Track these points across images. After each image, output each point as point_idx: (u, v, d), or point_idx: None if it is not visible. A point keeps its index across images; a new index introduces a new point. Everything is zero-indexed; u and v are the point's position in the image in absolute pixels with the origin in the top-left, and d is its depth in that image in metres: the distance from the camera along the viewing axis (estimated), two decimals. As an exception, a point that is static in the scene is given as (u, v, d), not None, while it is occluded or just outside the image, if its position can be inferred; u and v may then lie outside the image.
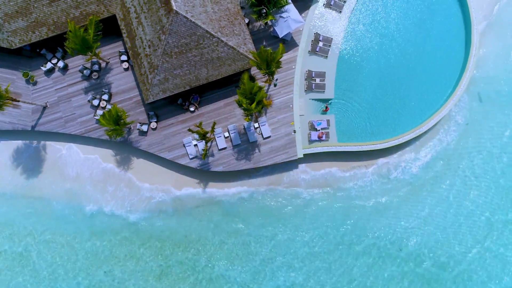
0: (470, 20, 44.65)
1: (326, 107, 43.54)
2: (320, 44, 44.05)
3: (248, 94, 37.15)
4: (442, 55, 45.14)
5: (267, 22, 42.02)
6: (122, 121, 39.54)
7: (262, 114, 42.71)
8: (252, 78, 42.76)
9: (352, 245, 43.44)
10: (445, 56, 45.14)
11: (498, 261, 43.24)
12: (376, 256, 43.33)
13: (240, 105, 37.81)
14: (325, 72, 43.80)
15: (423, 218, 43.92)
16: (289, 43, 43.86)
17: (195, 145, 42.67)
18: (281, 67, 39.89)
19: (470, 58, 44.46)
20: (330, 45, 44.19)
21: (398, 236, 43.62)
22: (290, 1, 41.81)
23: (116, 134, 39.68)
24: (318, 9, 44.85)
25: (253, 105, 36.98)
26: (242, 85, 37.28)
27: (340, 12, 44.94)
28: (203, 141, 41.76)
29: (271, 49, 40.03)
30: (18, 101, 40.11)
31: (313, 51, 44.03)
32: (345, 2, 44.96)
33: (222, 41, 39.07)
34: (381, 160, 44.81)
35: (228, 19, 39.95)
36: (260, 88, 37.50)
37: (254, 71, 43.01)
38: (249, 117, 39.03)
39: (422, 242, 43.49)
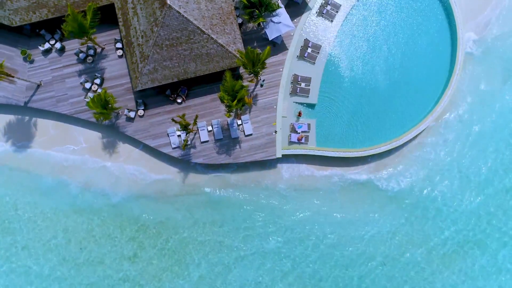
0: (456, 40, 45.93)
1: (300, 113, 44.96)
2: (309, 50, 45.51)
3: (230, 91, 38.72)
4: (427, 71, 46.49)
5: (259, 24, 43.54)
6: (109, 105, 41.23)
7: (244, 112, 44.24)
8: (239, 77, 44.34)
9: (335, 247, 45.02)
10: (429, 72, 46.48)
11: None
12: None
13: (222, 101, 39.39)
14: (311, 78, 45.26)
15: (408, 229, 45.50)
16: (279, 46, 45.36)
17: (179, 135, 44.26)
18: (266, 68, 41.50)
19: (454, 76, 45.75)
20: (318, 52, 45.64)
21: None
22: (282, 5, 43.32)
23: (103, 117, 41.39)
24: (310, 16, 46.32)
25: (234, 102, 38.53)
26: (225, 82, 38.86)
27: (332, 21, 46.38)
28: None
29: (258, 50, 41.47)
30: (13, 76, 41.83)
31: (302, 56, 45.50)
32: (337, 12, 46.37)
33: (212, 38, 40.66)
34: (360, 167, 46.01)
35: (220, 17, 41.51)
36: (242, 86, 39.03)
37: (243, 70, 44.52)
38: (231, 113, 40.54)
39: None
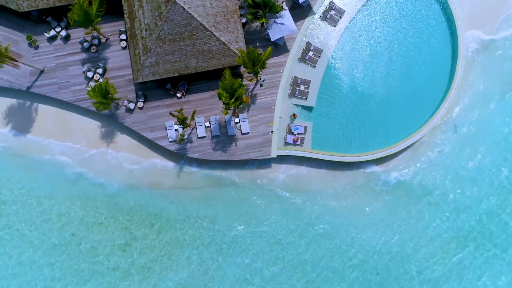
0: (457, 53, 46.27)
1: (294, 114, 45.40)
2: (310, 53, 45.95)
3: (229, 89, 39.24)
4: (427, 79, 46.88)
5: (263, 24, 44.03)
6: (110, 96, 41.79)
7: (242, 111, 44.72)
8: (240, 75, 44.82)
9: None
10: (429, 81, 46.87)
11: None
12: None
13: (220, 98, 39.92)
14: (310, 81, 45.70)
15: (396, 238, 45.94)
16: (281, 47, 45.85)
17: (176, 129, 44.77)
18: (266, 68, 41.97)
19: (452, 88, 46.09)
20: (319, 56, 46.06)
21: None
22: (286, 8, 43.79)
23: (103, 107, 41.95)
24: (314, 20, 46.74)
25: (232, 100, 39.06)
26: (224, 80, 39.37)
27: (335, 26, 46.80)
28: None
29: (260, 50, 42.03)
30: (17, 61, 42.51)
31: (303, 59, 45.94)
32: (341, 17, 46.79)
33: (214, 35, 41.20)
34: (355, 169, 46.50)
35: (224, 16, 42.03)
36: (241, 85, 39.52)
37: (243, 69, 44.96)
38: (228, 111, 41.05)
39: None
